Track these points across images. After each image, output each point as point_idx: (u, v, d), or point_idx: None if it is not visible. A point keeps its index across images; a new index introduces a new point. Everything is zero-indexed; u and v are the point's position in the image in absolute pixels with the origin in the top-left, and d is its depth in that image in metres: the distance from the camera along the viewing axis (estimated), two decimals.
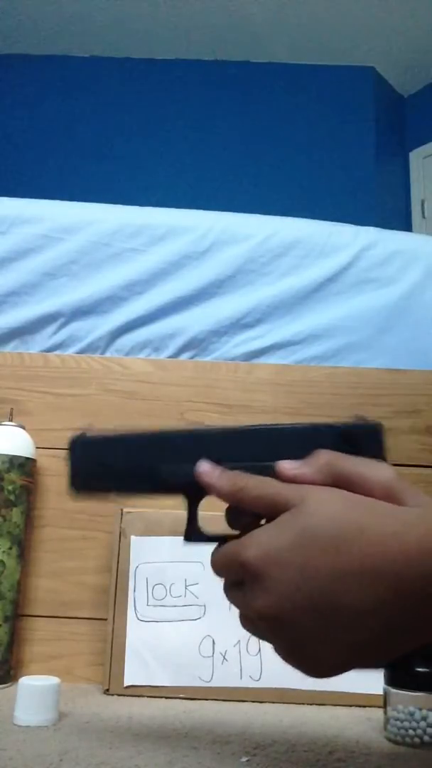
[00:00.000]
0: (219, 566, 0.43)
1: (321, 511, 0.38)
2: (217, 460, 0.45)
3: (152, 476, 0.47)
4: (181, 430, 0.48)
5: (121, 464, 0.48)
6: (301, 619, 0.38)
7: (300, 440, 0.45)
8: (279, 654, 0.41)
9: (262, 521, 0.44)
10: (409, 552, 0.36)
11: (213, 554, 0.44)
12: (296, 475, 0.42)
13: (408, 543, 0.36)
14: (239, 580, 0.41)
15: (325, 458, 0.42)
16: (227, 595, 0.43)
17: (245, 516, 0.44)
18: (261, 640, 0.43)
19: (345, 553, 0.37)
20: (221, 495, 0.44)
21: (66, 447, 0.49)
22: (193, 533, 0.47)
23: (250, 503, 0.42)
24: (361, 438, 0.44)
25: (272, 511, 0.41)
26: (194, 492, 0.46)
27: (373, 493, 0.40)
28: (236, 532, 0.44)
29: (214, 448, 0.46)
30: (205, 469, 0.45)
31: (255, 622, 0.41)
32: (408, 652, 0.38)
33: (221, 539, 0.44)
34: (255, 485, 0.42)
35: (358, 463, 0.42)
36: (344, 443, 0.44)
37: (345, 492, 0.40)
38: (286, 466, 0.42)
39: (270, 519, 0.41)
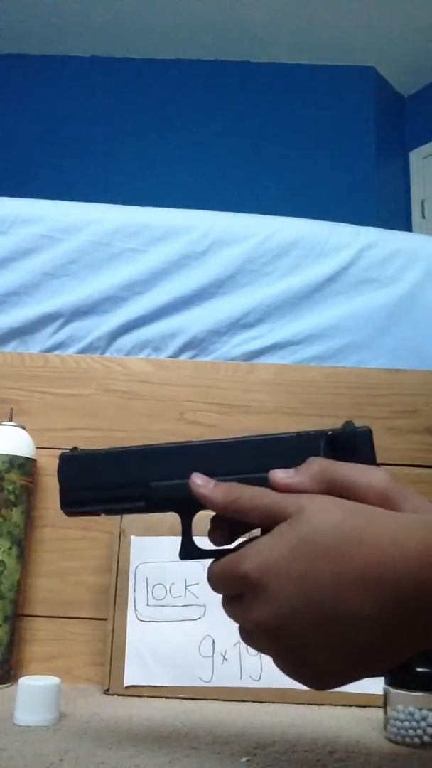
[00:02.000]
0: (217, 580, 0.43)
1: (319, 519, 0.38)
2: (209, 474, 0.44)
3: (144, 493, 0.46)
4: (170, 445, 0.47)
5: (111, 481, 0.47)
6: (302, 629, 0.37)
7: (290, 449, 0.44)
8: (280, 666, 0.40)
9: (251, 532, 0.43)
10: (409, 558, 0.36)
11: (210, 569, 0.43)
12: (290, 484, 0.41)
13: (407, 549, 0.36)
14: (238, 594, 0.41)
15: (318, 466, 0.42)
16: (226, 610, 0.42)
17: (238, 528, 0.44)
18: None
19: (345, 561, 0.37)
20: (216, 507, 0.43)
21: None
22: (189, 550, 0.47)
23: (246, 514, 0.42)
24: (351, 443, 0.44)
25: (269, 521, 0.40)
26: (187, 507, 0.46)
27: (369, 499, 0.40)
28: (231, 547, 0.44)
29: (204, 461, 0.45)
30: (200, 481, 0.44)
31: (255, 635, 0.40)
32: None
33: (217, 554, 0.44)
34: (251, 496, 0.42)
35: (352, 469, 0.41)
36: (334, 449, 0.44)
37: (342, 500, 0.40)
38: (279, 475, 0.42)
39: (267, 529, 0.41)
